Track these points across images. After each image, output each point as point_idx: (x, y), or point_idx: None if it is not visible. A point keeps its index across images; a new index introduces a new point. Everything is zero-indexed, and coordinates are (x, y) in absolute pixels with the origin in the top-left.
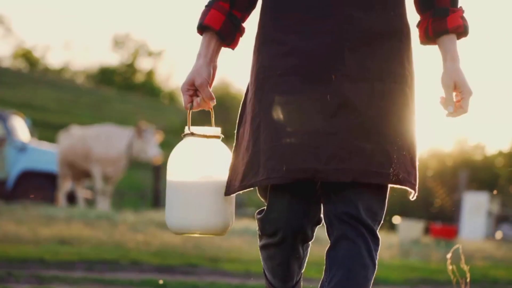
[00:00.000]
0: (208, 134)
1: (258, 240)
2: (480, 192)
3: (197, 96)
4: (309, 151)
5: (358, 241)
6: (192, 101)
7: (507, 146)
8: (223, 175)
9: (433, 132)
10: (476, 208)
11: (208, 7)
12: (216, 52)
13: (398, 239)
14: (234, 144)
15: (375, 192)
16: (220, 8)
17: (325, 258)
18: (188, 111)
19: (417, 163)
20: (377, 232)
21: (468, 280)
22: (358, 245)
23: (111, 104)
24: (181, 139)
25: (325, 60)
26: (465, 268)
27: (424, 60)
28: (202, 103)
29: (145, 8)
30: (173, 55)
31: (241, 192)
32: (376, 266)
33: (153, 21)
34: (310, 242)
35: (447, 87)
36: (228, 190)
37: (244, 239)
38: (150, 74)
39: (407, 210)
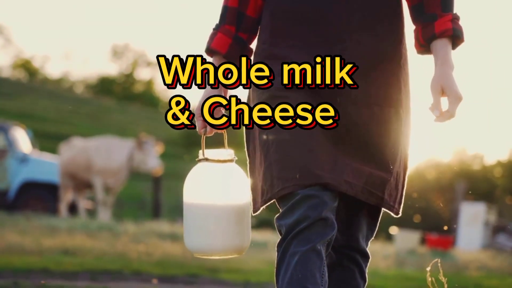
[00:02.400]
0: (222, 158)
1: (277, 249)
2: (477, 203)
3: None
4: (320, 162)
5: (352, 267)
6: (206, 127)
7: (505, 156)
8: (239, 198)
9: (432, 142)
10: (473, 219)
11: (215, 30)
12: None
13: (394, 249)
14: (248, 162)
15: (374, 219)
16: (227, 32)
17: None
18: (202, 136)
19: (401, 185)
20: (368, 251)
21: None
22: (352, 270)
23: (111, 114)
24: (196, 163)
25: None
26: (443, 279)
27: (421, 68)
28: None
29: (144, 19)
30: None
31: (264, 207)
32: (367, 280)
33: (152, 31)
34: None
35: (434, 91)
36: (254, 208)
37: None
38: (149, 84)
39: (404, 221)
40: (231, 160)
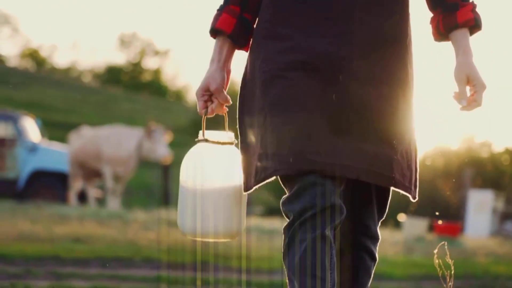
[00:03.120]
0: (222, 140)
1: (284, 232)
2: (485, 190)
3: (212, 101)
4: (316, 146)
5: (362, 254)
6: (207, 107)
7: None
8: (236, 181)
9: (440, 129)
10: (481, 206)
11: (220, 11)
12: (229, 56)
13: (402, 236)
14: (240, 141)
15: (384, 201)
16: (231, 12)
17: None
18: (203, 117)
19: (414, 166)
20: (378, 232)
21: (452, 272)
22: (364, 258)
23: (118, 103)
24: (194, 143)
25: (333, 60)
26: (450, 262)
27: (430, 58)
28: (217, 108)
29: (151, 8)
30: (180, 54)
31: (256, 187)
32: (377, 259)
33: (159, 20)
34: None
35: (460, 81)
36: (246, 188)
37: (253, 236)
38: (156, 73)
39: (412, 208)
40: (231, 143)
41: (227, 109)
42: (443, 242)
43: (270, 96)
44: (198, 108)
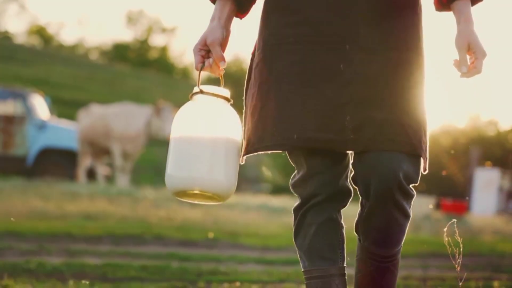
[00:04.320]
0: (218, 93)
1: (294, 213)
2: (492, 168)
3: (209, 57)
4: (321, 120)
5: (394, 212)
6: (203, 62)
7: None
8: (231, 136)
9: (447, 108)
10: (487, 184)
11: None
12: (229, 17)
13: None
14: (244, 111)
15: (410, 162)
16: None
17: (358, 217)
18: (199, 71)
19: (425, 136)
20: (412, 190)
21: (461, 249)
22: (394, 215)
23: (126, 81)
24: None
25: (339, 30)
26: (459, 239)
27: (440, 35)
28: (214, 66)
29: None
30: (187, 31)
31: (255, 154)
32: (410, 215)
33: None
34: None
35: (461, 48)
36: (245, 151)
37: (261, 214)
38: (163, 50)
39: (419, 186)
40: (227, 98)
41: (224, 71)
42: (453, 220)
43: (277, 70)
44: (194, 62)
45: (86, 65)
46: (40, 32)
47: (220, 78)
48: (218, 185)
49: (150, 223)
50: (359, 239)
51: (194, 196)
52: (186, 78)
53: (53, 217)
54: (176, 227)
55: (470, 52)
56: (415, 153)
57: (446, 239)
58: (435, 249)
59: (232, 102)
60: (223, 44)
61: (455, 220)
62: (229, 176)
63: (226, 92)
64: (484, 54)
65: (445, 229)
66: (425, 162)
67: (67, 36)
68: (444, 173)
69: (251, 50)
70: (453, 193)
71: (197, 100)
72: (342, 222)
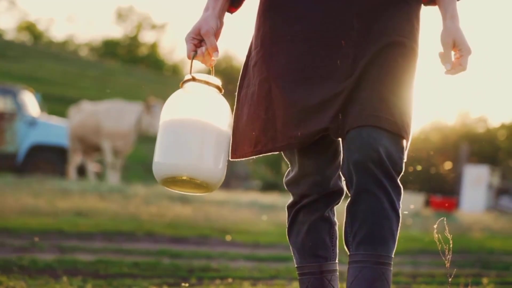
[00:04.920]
0: (210, 81)
1: (288, 210)
2: (481, 165)
3: (202, 46)
4: (319, 114)
5: (379, 194)
6: (196, 50)
7: (509, 118)
8: (223, 124)
9: (436, 105)
10: (476, 181)
11: None
12: (223, 8)
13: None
14: (235, 107)
15: (392, 140)
16: None
17: (345, 211)
18: (191, 59)
19: (411, 125)
20: (399, 182)
21: (451, 246)
22: (379, 198)
23: (116, 77)
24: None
25: (334, 26)
26: (449, 236)
27: (429, 33)
28: (206, 55)
29: None
30: (177, 28)
31: (254, 157)
32: (400, 217)
33: None
34: (335, 215)
35: (446, 44)
36: (236, 154)
37: (252, 211)
38: (153, 47)
39: (408, 183)
40: (219, 88)
41: (218, 56)
42: (442, 218)
43: (276, 69)
44: (187, 51)
45: (76, 61)
46: (30, 28)
47: (211, 68)
48: (207, 172)
49: (141, 219)
50: (349, 250)
51: (182, 184)
52: (176, 74)
53: (44, 213)
54: (167, 223)
55: (456, 49)
56: (398, 133)
57: (436, 236)
58: (425, 246)
59: (223, 92)
60: (216, 35)
61: (444, 218)
62: (218, 164)
63: (218, 81)
64: (469, 51)
65: (435, 226)
66: (406, 137)
67: (57, 32)
68: (433, 170)
69: (245, 47)
70: (442, 190)
71: (188, 87)
72: (335, 219)
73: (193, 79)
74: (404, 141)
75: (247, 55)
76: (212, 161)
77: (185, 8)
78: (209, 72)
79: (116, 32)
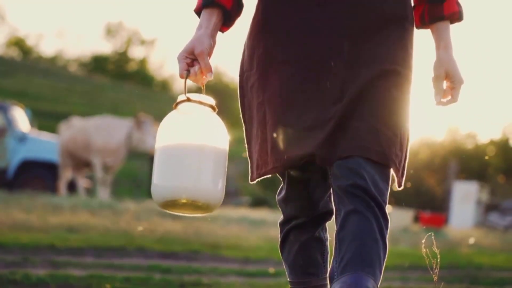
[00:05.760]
0: (204, 101)
1: (280, 227)
2: (470, 181)
3: (194, 65)
4: (306, 139)
5: (368, 216)
6: (188, 70)
7: (498, 135)
8: (219, 144)
9: (425, 120)
10: (465, 197)
11: None
12: (216, 27)
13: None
14: (244, 129)
15: (379, 170)
16: None
17: (334, 239)
18: (184, 79)
19: (405, 150)
20: (386, 211)
21: (438, 260)
22: (369, 220)
23: (105, 93)
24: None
25: (324, 48)
26: (436, 251)
27: (419, 47)
28: (198, 75)
29: None
30: (166, 43)
31: (259, 179)
32: (387, 247)
33: (145, 10)
34: (327, 230)
35: (438, 75)
36: (251, 177)
37: (242, 227)
38: (142, 62)
39: (398, 199)
40: (213, 107)
41: (212, 77)
42: (430, 233)
43: (269, 92)
44: (179, 70)
45: (65, 77)
46: (19, 43)
47: (202, 87)
48: (207, 193)
49: (132, 235)
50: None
51: (182, 207)
52: (166, 90)
53: (36, 229)
54: (157, 239)
55: (448, 80)
56: (386, 163)
57: (424, 250)
58: (414, 261)
59: (217, 110)
60: (208, 54)
61: (432, 233)
62: (217, 184)
63: (212, 100)
64: (461, 82)
65: (423, 241)
66: (399, 178)
67: (46, 48)
68: (422, 186)
69: (235, 63)
70: (431, 206)
71: (182, 108)
72: (326, 235)
73: (188, 99)
74: (391, 172)
75: (240, 74)
76: (211, 182)
77: (174, 23)
78: (200, 91)
79: (105, 47)
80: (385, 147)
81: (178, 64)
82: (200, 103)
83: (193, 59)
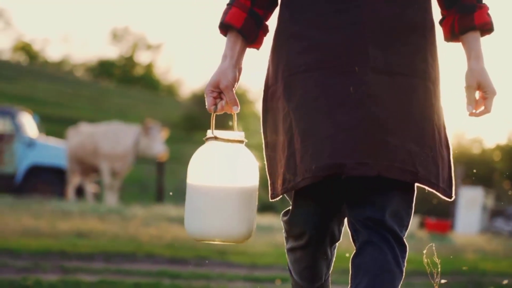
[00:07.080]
0: (232, 138)
1: (285, 242)
2: (476, 187)
3: (221, 98)
4: (334, 146)
5: (383, 247)
6: (216, 104)
7: (504, 139)
8: (247, 182)
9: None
10: (471, 203)
11: (229, 5)
12: (241, 53)
13: None
14: (263, 144)
15: (402, 195)
16: (241, 6)
17: (350, 265)
18: (212, 114)
19: (446, 162)
20: (404, 239)
21: (439, 270)
22: (384, 251)
23: (111, 97)
24: (203, 142)
25: (347, 53)
26: (437, 260)
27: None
28: (226, 106)
29: (144, 1)
30: (172, 48)
31: (284, 195)
32: (404, 274)
33: (151, 14)
34: (337, 243)
35: (470, 87)
36: (273, 193)
37: None
38: (149, 67)
39: None
40: (241, 141)
41: (238, 110)
42: (431, 244)
43: (294, 101)
44: (206, 104)
45: (71, 82)
46: (25, 48)
47: (233, 115)
48: (238, 235)
49: (140, 241)
50: None
51: (214, 240)
52: (172, 95)
53: (45, 235)
54: (166, 245)
55: (481, 91)
56: (411, 182)
57: (425, 260)
58: (418, 267)
59: (246, 141)
60: (235, 83)
61: (433, 244)
62: (248, 223)
63: (240, 135)
64: (494, 93)
65: (424, 251)
66: (442, 191)
67: (52, 52)
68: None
69: (261, 77)
70: (437, 212)
71: (212, 145)
72: (334, 251)
73: (215, 138)
74: (415, 191)
75: (265, 90)
76: (237, 223)
77: (180, 28)
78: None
79: (112, 52)
80: (413, 165)
81: (205, 97)
82: (228, 141)
83: (219, 92)
